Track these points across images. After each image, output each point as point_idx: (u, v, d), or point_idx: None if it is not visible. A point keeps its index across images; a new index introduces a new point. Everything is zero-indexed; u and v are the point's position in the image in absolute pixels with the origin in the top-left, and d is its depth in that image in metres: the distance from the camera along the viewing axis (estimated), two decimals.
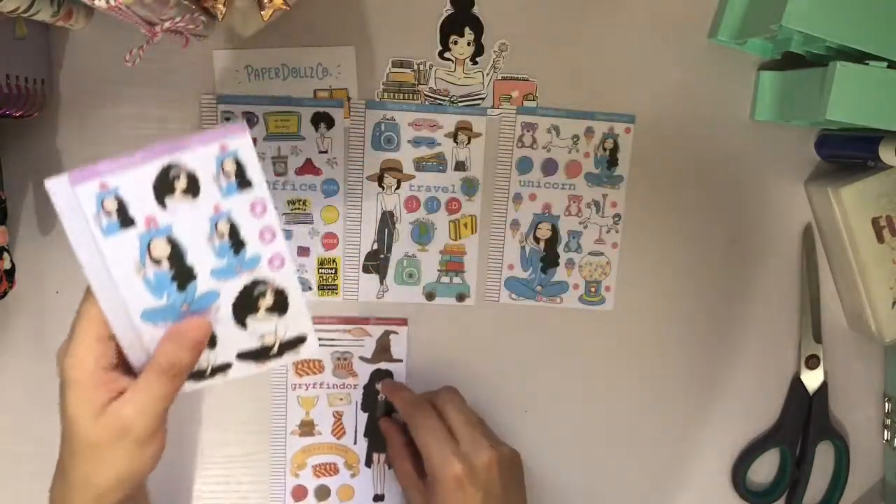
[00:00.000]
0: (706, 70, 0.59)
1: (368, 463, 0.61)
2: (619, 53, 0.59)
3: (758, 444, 0.62)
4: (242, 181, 0.39)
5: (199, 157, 0.38)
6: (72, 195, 0.38)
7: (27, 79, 0.51)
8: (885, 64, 0.49)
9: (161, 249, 0.39)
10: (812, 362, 0.62)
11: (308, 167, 0.58)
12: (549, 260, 0.61)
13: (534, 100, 0.59)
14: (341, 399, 0.60)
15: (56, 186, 0.37)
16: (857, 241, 0.58)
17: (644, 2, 0.59)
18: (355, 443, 0.60)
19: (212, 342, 0.42)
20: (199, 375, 0.43)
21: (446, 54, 0.58)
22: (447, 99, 0.58)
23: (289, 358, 0.44)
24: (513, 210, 0.60)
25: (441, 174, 0.59)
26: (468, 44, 0.58)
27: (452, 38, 0.58)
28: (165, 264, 0.40)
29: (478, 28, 0.58)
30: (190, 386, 0.43)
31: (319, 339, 0.54)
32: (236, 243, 0.40)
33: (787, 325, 0.62)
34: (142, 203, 0.38)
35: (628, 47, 0.59)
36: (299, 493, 0.60)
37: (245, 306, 0.42)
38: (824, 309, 0.62)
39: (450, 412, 0.53)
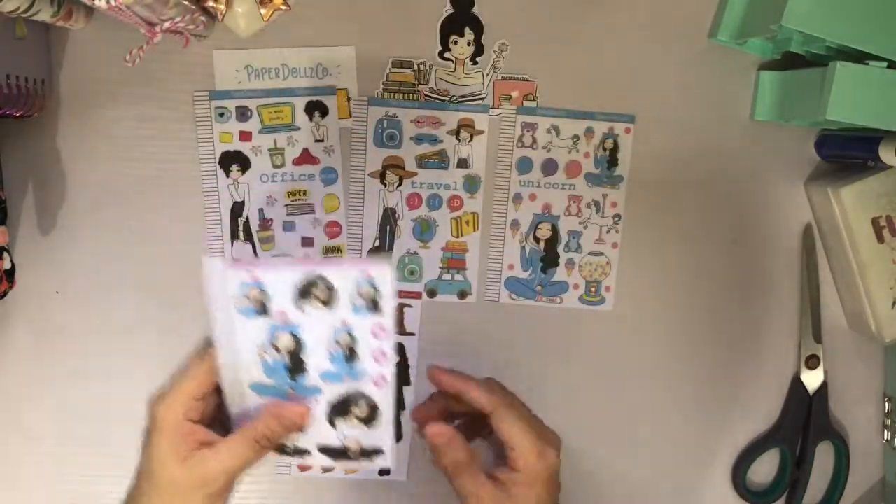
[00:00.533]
0: (706, 70, 0.59)
1: None
2: (619, 53, 0.59)
3: (758, 444, 0.62)
4: (374, 306, 0.42)
5: (343, 275, 0.42)
6: (222, 275, 0.42)
7: (27, 79, 0.51)
8: (885, 64, 0.49)
9: (285, 342, 0.43)
10: (812, 362, 0.62)
11: (305, 157, 0.58)
12: (549, 260, 0.61)
13: (534, 100, 0.59)
14: None
15: (211, 264, 0.42)
16: (857, 241, 0.58)
17: (644, 2, 0.59)
18: None
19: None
20: (281, 449, 0.46)
21: (446, 54, 0.58)
22: (447, 99, 0.58)
23: (363, 465, 0.47)
24: (513, 210, 0.60)
25: (443, 171, 0.59)
26: (468, 44, 0.58)
27: (452, 38, 0.58)
28: (285, 355, 0.43)
29: (478, 28, 0.58)
30: (272, 455, 0.46)
31: None
32: (351, 355, 0.43)
33: (787, 325, 0.62)
34: (281, 300, 0.42)
35: (628, 47, 0.59)
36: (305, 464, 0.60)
37: (340, 409, 0.45)
38: (824, 309, 0.62)
39: (517, 404, 0.50)
